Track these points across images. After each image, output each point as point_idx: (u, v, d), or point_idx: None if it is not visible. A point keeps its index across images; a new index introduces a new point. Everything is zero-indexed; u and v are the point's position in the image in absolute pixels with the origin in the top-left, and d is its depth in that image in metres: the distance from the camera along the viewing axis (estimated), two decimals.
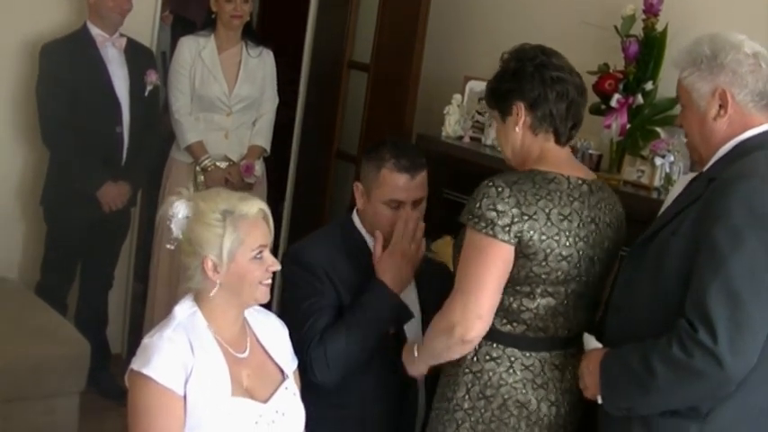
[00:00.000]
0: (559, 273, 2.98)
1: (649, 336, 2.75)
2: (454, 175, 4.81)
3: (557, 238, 2.95)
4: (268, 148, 5.80)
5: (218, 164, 5.57)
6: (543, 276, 2.97)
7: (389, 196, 3.50)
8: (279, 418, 2.97)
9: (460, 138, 5.17)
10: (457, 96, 5.26)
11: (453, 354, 3.04)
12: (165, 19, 6.47)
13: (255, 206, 2.95)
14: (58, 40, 5.27)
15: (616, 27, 4.54)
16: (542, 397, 3.05)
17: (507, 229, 2.90)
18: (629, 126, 4.42)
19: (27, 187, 5.58)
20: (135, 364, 2.82)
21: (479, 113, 5.26)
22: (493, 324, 2.98)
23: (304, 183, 6.47)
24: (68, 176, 5.25)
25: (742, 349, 2.58)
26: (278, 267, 3.00)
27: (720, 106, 2.83)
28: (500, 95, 3.14)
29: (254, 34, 5.80)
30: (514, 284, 2.98)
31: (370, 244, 3.56)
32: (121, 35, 5.37)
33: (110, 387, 5.50)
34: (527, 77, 3.06)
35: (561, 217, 2.96)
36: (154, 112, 5.60)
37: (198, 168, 5.56)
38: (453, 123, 5.21)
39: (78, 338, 4.74)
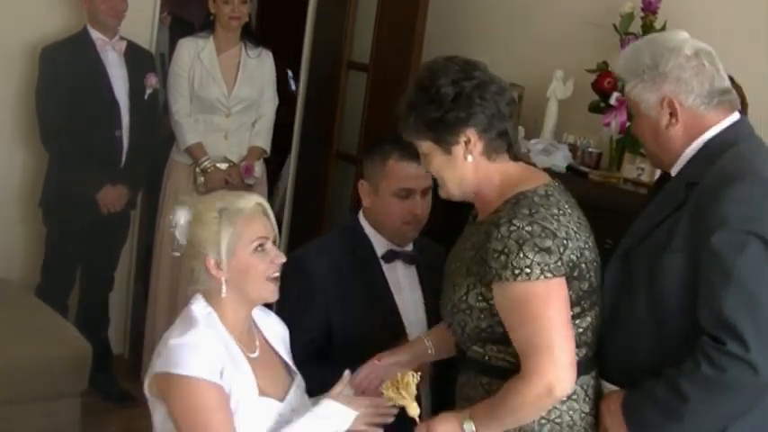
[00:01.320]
0: (594, 278, 2.83)
1: (645, 351, 2.78)
2: None
3: (585, 246, 2.80)
4: (268, 149, 5.79)
5: (217, 165, 5.57)
6: (588, 290, 2.81)
7: (400, 185, 3.51)
8: (294, 417, 2.96)
9: None
10: None
11: (544, 411, 2.78)
12: (164, 20, 6.48)
13: (252, 201, 2.96)
14: (57, 42, 5.28)
15: (615, 25, 4.55)
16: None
17: (560, 262, 2.69)
18: (628, 124, 4.42)
19: (26, 189, 5.58)
20: (172, 368, 2.77)
21: None
22: None
23: (303, 183, 6.48)
24: (67, 179, 5.25)
25: None
26: (283, 259, 2.98)
27: (671, 114, 2.79)
28: (444, 125, 2.81)
29: (252, 35, 5.80)
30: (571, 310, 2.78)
31: (377, 246, 3.57)
32: (121, 38, 5.37)
33: (111, 389, 5.52)
34: (475, 100, 2.79)
35: (578, 225, 2.83)
36: (153, 116, 5.59)
37: (198, 170, 5.55)
38: None
39: (79, 340, 4.74)
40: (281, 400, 2.97)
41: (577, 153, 4.66)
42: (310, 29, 6.44)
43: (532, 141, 4.73)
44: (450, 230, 3.28)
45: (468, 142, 2.81)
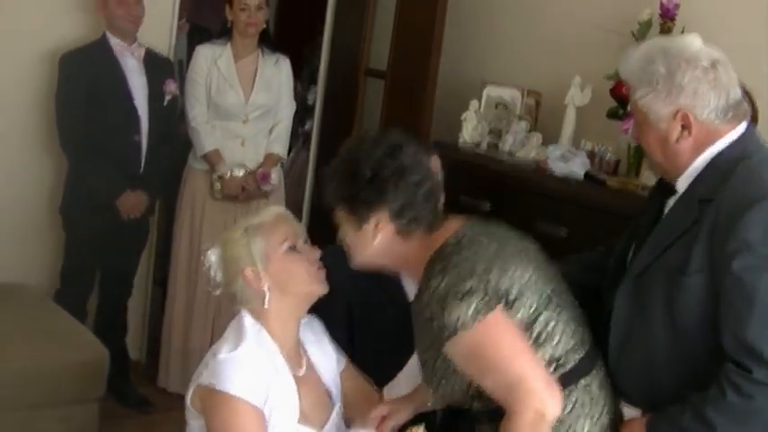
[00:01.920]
0: (546, 287, 2.75)
1: (664, 370, 2.74)
2: (472, 181, 4.81)
3: (515, 266, 2.70)
4: (285, 156, 5.80)
5: (234, 172, 5.57)
6: (543, 301, 2.72)
7: None
8: None
9: (478, 144, 5.17)
10: (474, 102, 5.26)
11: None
12: (182, 27, 6.48)
13: (272, 211, 3.03)
14: (77, 49, 5.29)
15: (633, 32, 4.54)
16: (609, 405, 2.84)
17: (486, 297, 2.62)
18: None
19: (46, 195, 5.59)
20: (216, 383, 2.77)
21: (497, 119, 5.26)
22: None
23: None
24: (87, 185, 5.26)
25: None
26: (318, 252, 3.01)
27: (683, 127, 2.71)
28: (356, 205, 2.81)
29: (270, 42, 5.80)
30: (529, 332, 2.69)
31: None
32: (140, 45, 5.38)
33: (129, 394, 5.53)
34: (389, 186, 2.76)
35: (500, 250, 2.73)
36: (172, 122, 5.61)
37: (215, 176, 5.56)
38: (471, 130, 5.21)
39: (97, 345, 4.75)
40: (321, 428, 2.96)
41: (595, 160, 4.64)
42: (328, 35, 6.45)
43: (550, 148, 4.72)
44: None
45: (377, 225, 2.80)
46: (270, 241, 2.91)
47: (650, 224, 2.89)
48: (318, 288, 2.99)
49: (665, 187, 2.90)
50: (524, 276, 2.70)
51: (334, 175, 2.86)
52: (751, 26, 4.36)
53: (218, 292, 3.02)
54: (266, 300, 2.90)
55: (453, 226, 2.84)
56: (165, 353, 5.74)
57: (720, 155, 2.71)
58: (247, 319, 2.92)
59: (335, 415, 3.05)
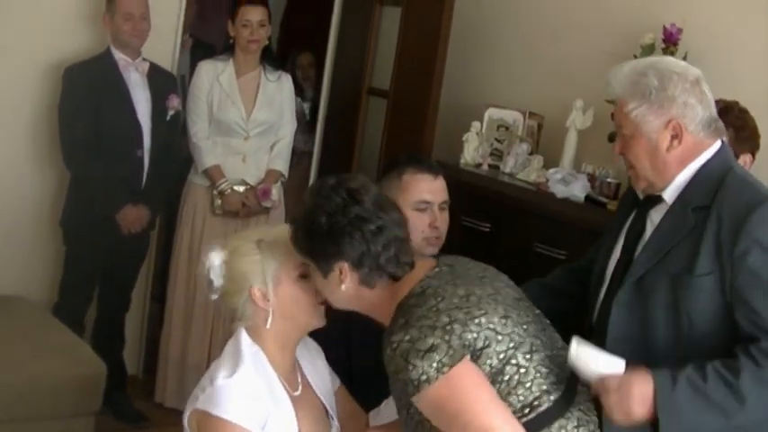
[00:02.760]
0: (516, 329, 2.68)
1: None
2: (472, 202, 4.81)
3: (482, 312, 2.65)
4: (286, 173, 5.80)
5: (235, 188, 5.58)
6: (512, 345, 2.65)
7: (417, 197, 3.52)
8: None
9: (479, 165, 5.18)
10: (476, 124, 5.28)
11: None
12: (185, 43, 6.49)
13: (287, 231, 2.91)
14: (81, 62, 5.30)
15: (635, 56, 4.54)
16: None
17: (451, 351, 2.56)
18: None
19: (47, 208, 5.59)
20: (212, 409, 2.74)
21: (498, 141, 5.27)
22: (521, 423, 2.62)
23: None
24: (88, 198, 5.26)
25: None
26: None
27: (672, 137, 2.83)
28: (317, 255, 2.80)
29: (272, 59, 5.82)
30: (500, 377, 2.64)
31: None
32: (144, 60, 5.39)
33: (125, 409, 5.51)
34: (345, 237, 2.74)
35: (464, 297, 2.68)
36: (175, 137, 5.61)
37: (215, 192, 5.56)
38: (472, 151, 5.23)
39: (94, 359, 4.74)
40: None
41: (596, 183, 4.65)
42: (331, 54, 6.47)
43: (551, 171, 4.73)
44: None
45: (341, 273, 2.77)
46: (284, 265, 2.87)
47: (636, 234, 2.97)
48: (319, 322, 2.97)
49: (640, 200, 3.02)
50: (492, 322, 2.65)
51: (296, 228, 2.83)
52: (753, 51, 4.37)
53: (214, 297, 2.97)
54: (269, 321, 2.88)
55: (419, 273, 2.81)
56: (162, 368, 5.73)
57: (705, 166, 2.84)
58: (245, 341, 2.89)
59: (335, 429, 3.04)
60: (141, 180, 5.36)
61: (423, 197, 3.53)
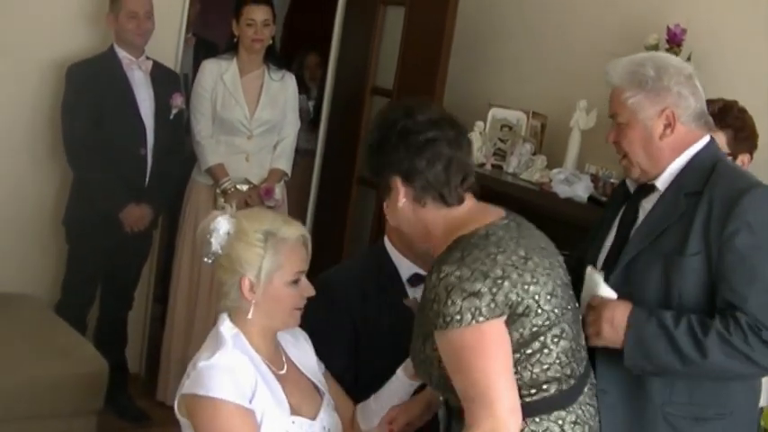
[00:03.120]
0: (556, 310, 2.71)
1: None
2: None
3: (534, 280, 2.67)
4: (289, 172, 5.80)
5: (238, 187, 5.58)
6: (547, 324, 2.69)
7: None
8: None
9: (482, 165, 5.17)
10: (479, 123, 5.27)
11: None
12: (188, 41, 6.50)
13: (297, 230, 2.97)
14: (84, 61, 5.31)
15: None
16: None
17: (492, 304, 2.60)
18: None
19: (50, 206, 5.60)
20: (198, 390, 2.78)
21: (502, 141, 5.27)
22: (523, 400, 2.67)
23: (325, 208, 6.48)
24: (91, 197, 5.27)
25: None
26: (312, 292, 3.00)
27: (666, 126, 2.96)
28: (374, 171, 2.89)
29: (276, 58, 5.82)
30: (523, 349, 2.68)
31: (402, 270, 3.55)
32: (147, 58, 5.39)
33: (127, 407, 5.52)
34: (392, 149, 2.79)
35: (524, 259, 2.69)
36: (178, 135, 5.61)
37: (218, 191, 5.57)
38: (475, 150, 5.21)
39: (97, 358, 4.75)
40: (313, 418, 2.98)
41: (599, 183, 4.64)
42: (335, 53, 6.47)
43: (554, 171, 4.72)
44: None
45: (396, 189, 2.82)
46: (282, 268, 2.91)
47: (629, 222, 3.09)
48: (292, 325, 3.03)
49: (632, 193, 3.15)
50: (539, 294, 2.68)
51: (363, 146, 2.93)
52: (756, 52, 4.37)
53: (207, 261, 2.99)
54: (250, 312, 2.93)
55: (486, 217, 2.81)
56: (164, 366, 5.73)
57: (697, 156, 2.98)
58: (224, 326, 2.94)
59: (326, 404, 3.07)
60: (144, 179, 5.36)
61: None
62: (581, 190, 4.54)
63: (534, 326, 2.67)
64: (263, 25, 5.54)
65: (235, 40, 5.64)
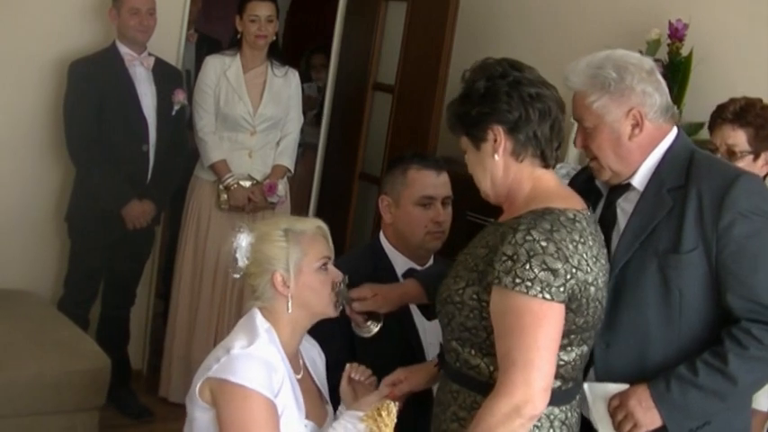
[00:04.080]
0: (595, 317, 2.76)
1: (658, 351, 2.88)
2: (478, 197, 4.80)
3: (594, 282, 2.71)
4: (292, 168, 5.80)
5: (241, 183, 5.58)
6: (583, 326, 2.73)
7: (421, 193, 3.55)
8: None
9: None
10: None
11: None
12: (191, 38, 6.49)
13: (314, 224, 3.06)
14: (86, 57, 5.30)
15: (641, 51, 4.53)
16: None
17: (563, 288, 2.62)
18: None
19: (52, 203, 5.60)
20: (231, 376, 2.80)
21: None
22: None
23: (327, 203, 6.49)
24: (93, 193, 5.27)
25: None
26: (341, 278, 3.05)
27: (633, 126, 2.89)
28: (472, 120, 2.79)
29: (279, 54, 5.82)
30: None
31: (398, 265, 3.57)
32: (150, 54, 5.39)
33: (129, 403, 5.52)
34: (502, 97, 2.74)
35: (594, 259, 2.73)
36: (180, 132, 5.61)
37: (221, 187, 5.56)
38: None
39: (99, 354, 4.75)
40: (321, 425, 3.01)
41: None
42: (336, 49, 6.46)
43: (556, 166, 4.72)
44: None
45: (495, 140, 2.76)
46: (307, 255, 2.97)
47: (609, 223, 3.01)
48: (332, 312, 3.06)
49: (604, 192, 3.06)
50: (591, 297, 2.71)
51: (451, 102, 2.87)
52: (758, 46, 4.36)
53: (236, 276, 3.04)
54: (289, 307, 2.97)
55: (573, 202, 2.82)
56: (166, 363, 5.73)
57: (670, 150, 2.93)
58: (259, 318, 2.97)
59: (330, 417, 3.10)
60: (147, 175, 5.37)
61: (426, 192, 3.56)
62: None
63: (574, 324, 2.70)
64: (266, 21, 5.53)
65: (238, 36, 5.63)
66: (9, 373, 4.42)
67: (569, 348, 2.74)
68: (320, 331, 3.24)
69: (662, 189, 2.89)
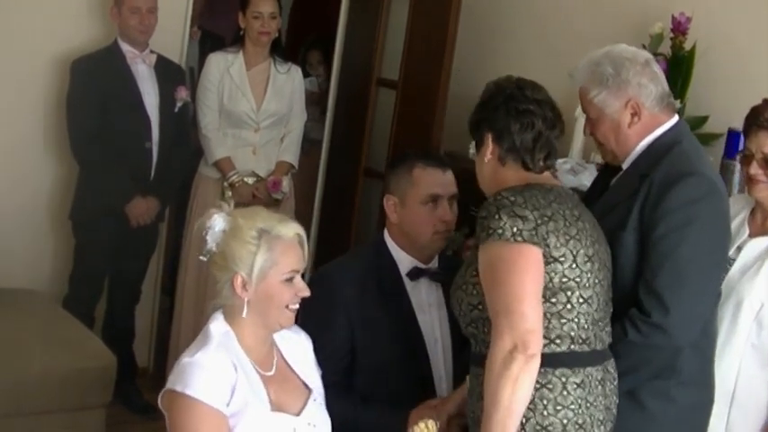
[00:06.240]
0: (590, 274, 2.92)
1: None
2: (481, 192, 4.80)
3: (578, 237, 2.91)
4: (296, 164, 5.80)
5: (245, 179, 5.58)
6: (576, 280, 2.88)
7: (427, 191, 3.53)
8: (311, 430, 2.99)
9: None
10: None
11: (524, 384, 2.76)
12: (194, 35, 6.49)
13: (293, 230, 2.96)
14: (88, 55, 5.31)
15: (644, 45, 4.53)
16: (594, 416, 2.92)
17: (534, 231, 2.83)
18: None
19: (56, 201, 5.61)
20: (176, 385, 2.80)
21: None
22: None
23: (332, 199, 6.49)
24: (97, 191, 5.28)
25: (688, 318, 3.05)
26: (307, 293, 3.00)
27: (632, 115, 3.18)
28: (473, 125, 3.18)
29: (282, 50, 5.82)
30: (550, 297, 2.86)
31: (402, 264, 3.56)
32: (151, 51, 5.40)
33: (135, 401, 5.53)
34: (495, 108, 3.08)
35: (575, 218, 2.95)
36: (183, 129, 5.61)
37: (225, 184, 5.57)
38: None
39: (105, 352, 4.77)
40: (297, 414, 2.98)
41: None
42: (340, 45, 6.46)
43: (560, 161, 4.71)
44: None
45: (486, 144, 3.08)
46: (276, 265, 2.90)
47: (597, 196, 3.37)
48: (285, 324, 3.02)
49: (612, 168, 3.38)
50: (577, 250, 2.90)
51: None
52: (762, 39, 4.35)
53: (203, 258, 3.02)
54: (244, 311, 2.93)
55: (555, 181, 3.18)
56: (172, 359, 5.71)
57: (658, 139, 3.20)
58: (215, 325, 2.94)
59: (313, 400, 3.07)
60: (150, 172, 5.38)
61: (433, 191, 3.53)
62: (587, 179, 4.54)
63: (566, 277, 2.88)
64: (270, 18, 5.53)
65: (241, 32, 5.63)
66: (15, 371, 4.43)
67: (570, 306, 2.89)
68: (317, 336, 3.25)
69: (636, 174, 3.17)
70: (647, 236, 3.07)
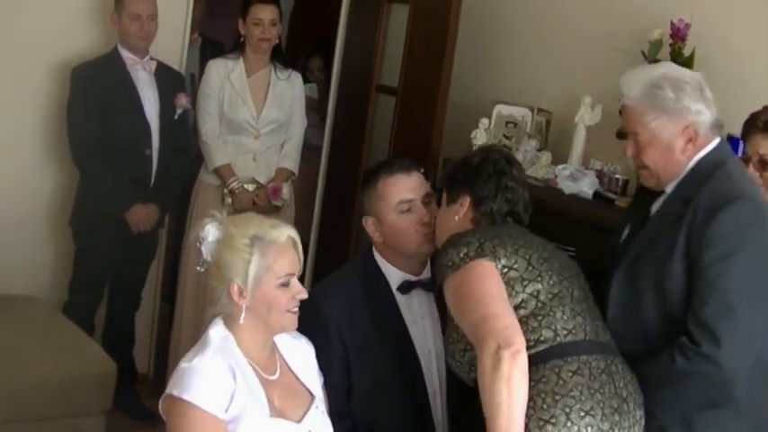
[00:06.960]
0: (550, 272, 3.05)
1: (659, 339, 3.08)
2: None
3: (527, 246, 3.09)
4: (296, 171, 5.80)
5: (245, 186, 5.58)
6: (538, 279, 3.01)
7: (396, 199, 3.52)
8: None
9: None
10: (484, 120, 5.26)
11: (517, 380, 2.76)
12: (194, 41, 6.50)
13: (285, 233, 2.97)
14: (88, 62, 5.31)
15: (643, 52, 4.54)
16: (605, 403, 2.88)
17: (480, 249, 3.01)
18: None
19: (56, 207, 5.61)
20: (174, 390, 2.82)
21: (507, 137, 5.26)
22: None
23: (332, 205, 6.49)
24: (97, 197, 5.28)
25: (740, 351, 2.96)
26: (305, 295, 3.01)
27: (688, 141, 3.10)
28: (452, 182, 3.34)
29: (282, 57, 5.82)
30: (520, 303, 2.98)
31: (392, 278, 3.55)
32: (152, 58, 5.40)
33: (136, 407, 5.53)
34: (483, 176, 3.27)
35: (520, 234, 3.16)
36: (183, 135, 5.61)
37: (225, 191, 5.57)
38: None
39: (105, 358, 4.76)
40: (299, 421, 2.99)
41: (604, 179, 4.64)
42: (340, 52, 6.47)
43: (559, 167, 4.72)
44: None
45: (462, 205, 3.30)
46: (270, 270, 2.92)
47: (641, 221, 3.28)
48: (289, 327, 3.05)
49: (648, 191, 3.31)
50: (530, 256, 3.06)
51: (453, 160, 3.42)
52: (761, 46, 4.36)
53: (201, 269, 3.05)
54: (242, 317, 2.95)
55: None
56: (172, 366, 5.70)
57: (702, 160, 3.12)
58: (214, 330, 2.97)
59: (315, 407, 3.08)
60: (150, 179, 5.38)
61: (402, 197, 3.53)
62: (586, 186, 4.54)
63: (526, 280, 3.01)
64: (270, 24, 5.54)
65: (241, 39, 5.64)
66: (15, 378, 4.42)
67: (539, 304, 2.99)
68: (313, 335, 3.26)
69: (680, 198, 3.11)
70: (694, 264, 2.99)
